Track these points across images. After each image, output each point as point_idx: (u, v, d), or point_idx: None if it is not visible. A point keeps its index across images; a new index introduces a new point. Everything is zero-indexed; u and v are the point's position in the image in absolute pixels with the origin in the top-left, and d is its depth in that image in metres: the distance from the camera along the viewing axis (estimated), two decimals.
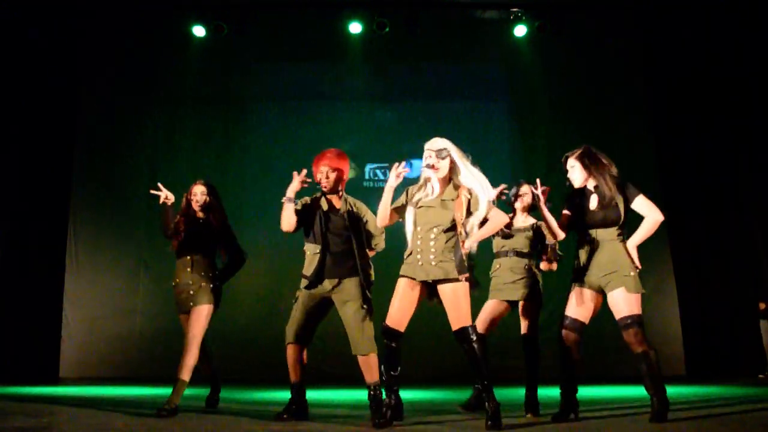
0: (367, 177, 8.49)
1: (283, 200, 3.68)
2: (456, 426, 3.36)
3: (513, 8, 8.65)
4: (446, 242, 3.20)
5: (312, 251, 3.72)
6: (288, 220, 3.67)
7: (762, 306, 7.54)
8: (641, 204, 3.42)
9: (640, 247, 3.45)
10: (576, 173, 3.52)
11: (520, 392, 3.96)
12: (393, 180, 3.27)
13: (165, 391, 4.06)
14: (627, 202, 3.42)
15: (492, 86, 8.92)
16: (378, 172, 8.49)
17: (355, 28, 8.61)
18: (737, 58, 8.14)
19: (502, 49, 8.88)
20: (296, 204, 3.72)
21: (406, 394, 5.38)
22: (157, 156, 8.65)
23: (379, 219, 3.38)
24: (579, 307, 3.43)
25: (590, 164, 3.48)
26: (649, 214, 3.40)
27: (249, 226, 8.39)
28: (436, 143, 3.34)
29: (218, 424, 3.47)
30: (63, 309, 8.17)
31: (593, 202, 3.48)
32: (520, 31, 8.69)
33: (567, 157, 3.57)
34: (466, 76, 8.87)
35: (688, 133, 8.41)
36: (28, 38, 8.06)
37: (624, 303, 3.27)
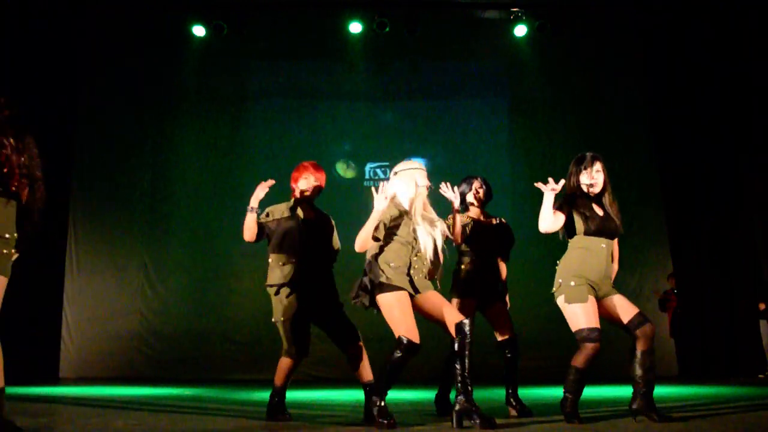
0: (367, 176, 8.50)
1: (247, 209, 3.58)
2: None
3: (513, 8, 8.66)
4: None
5: (283, 261, 3.60)
6: (251, 230, 3.59)
7: (762, 306, 7.54)
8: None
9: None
10: (601, 178, 3.46)
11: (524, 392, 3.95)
12: (382, 204, 3.20)
13: (165, 391, 4.04)
14: None
15: (492, 86, 8.93)
16: (378, 171, 8.49)
17: (355, 27, 8.61)
18: (737, 57, 8.14)
19: (502, 49, 8.89)
20: (259, 214, 3.66)
21: (407, 395, 5.39)
22: (157, 156, 8.66)
23: (359, 243, 3.24)
24: (624, 309, 3.36)
25: (607, 173, 3.49)
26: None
27: None
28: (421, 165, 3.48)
29: (218, 424, 3.46)
30: (63, 309, 8.18)
31: (600, 211, 3.44)
32: (520, 31, 8.69)
33: (594, 159, 3.47)
34: (467, 76, 8.87)
35: (687, 132, 8.42)
36: (28, 38, 8.05)
37: (631, 304, 3.33)
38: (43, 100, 8.26)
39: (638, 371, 3.26)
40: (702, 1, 8.23)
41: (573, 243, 3.44)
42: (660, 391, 5.50)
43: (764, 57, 7.76)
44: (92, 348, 8.06)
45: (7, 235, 2.80)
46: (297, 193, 3.81)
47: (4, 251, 2.80)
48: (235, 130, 8.77)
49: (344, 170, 8.56)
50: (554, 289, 3.42)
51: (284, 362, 3.58)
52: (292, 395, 5.19)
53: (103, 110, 8.64)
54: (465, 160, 8.44)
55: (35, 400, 4.89)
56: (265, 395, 5.47)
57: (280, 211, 3.76)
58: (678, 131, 8.47)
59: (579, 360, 3.26)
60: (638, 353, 3.26)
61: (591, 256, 3.37)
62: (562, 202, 3.46)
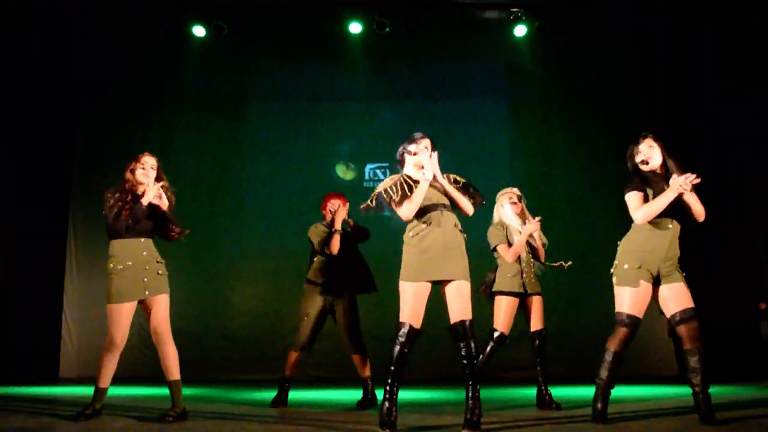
0: (367, 177, 8.49)
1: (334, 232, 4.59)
2: (457, 428, 3.36)
3: (513, 8, 8.64)
4: None
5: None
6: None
7: (762, 306, 7.54)
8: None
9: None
10: (656, 153, 3.42)
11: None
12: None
13: (165, 391, 4.04)
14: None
15: (492, 86, 8.92)
16: (378, 172, 8.49)
17: (355, 28, 8.60)
18: (737, 57, 8.14)
19: (502, 49, 8.87)
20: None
21: (406, 394, 5.39)
22: (157, 156, 8.64)
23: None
24: (675, 300, 3.28)
25: (666, 149, 3.43)
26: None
27: (249, 226, 8.40)
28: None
29: (218, 425, 3.47)
30: (63, 309, 8.17)
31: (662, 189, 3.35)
32: (520, 31, 8.68)
33: (645, 135, 3.47)
34: (466, 76, 8.86)
35: (687, 132, 8.41)
36: (27, 38, 8.05)
37: (686, 295, 3.23)
38: (43, 100, 8.27)
39: (687, 374, 3.26)
40: (702, 1, 8.22)
41: (638, 223, 3.35)
42: (659, 391, 5.51)
43: (764, 57, 7.76)
44: (92, 348, 8.04)
45: (162, 260, 3.96)
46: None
47: (162, 273, 3.96)
48: (234, 131, 8.75)
49: (344, 172, 8.55)
50: (612, 269, 3.40)
51: (294, 358, 4.64)
52: (295, 395, 5.20)
53: (102, 110, 8.63)
54: (465, 161, 8.44)
55: (35, 400, 4.89)
56: (264, 395, 5.48)
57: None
58: (678, 131, 8.45)
59: (611, 342, 3.32)
60: (685, 353, 3.25)
61: (655, 237, 3.31)
62: (637, 182, 3.41)
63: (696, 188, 3.43)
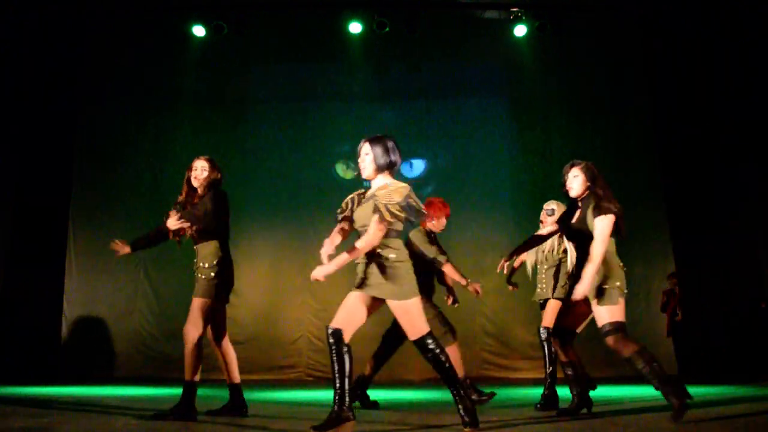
0: None
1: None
2: (457, 428, 3.36)
3: (513, 8, 8.65)
4: None
5: None
6: None
7: (763, 306, 7.53)
8: (597, 224, 3.29)
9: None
10: (577, 183, 3.52)
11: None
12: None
13: (165, 390, 4.04)
14: (592, 215, 3.34)
15: (492, 86, 8.93)
16: None
17: (355, 28, 8.60)
18: (738, 56, 8.14)
19: (502, 49, 8.87)
20: None
21: (406, 394, 5.40)
22: (157, 156, 8.66)
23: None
24: (565, 316, 3.64)
25: (590, 179, 3.48)
26: (595, 241, 3.27)
27: (250, 226, 8.40)
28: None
29: (218, 425, 3.47)
30: (63, 309, 8.17)
31: (576, 216, 3.55)
32: (520, 31, 8.69)
33: (572, 165, 3.59)
34: (466, 76, 8.86)
35: (688, 132, 8.41)
36: (27, 39, 8.05)
37: (603, 312, 3.29)
38: (44, 100, 8.28)
39: None
40: (703, 1, 8.22)
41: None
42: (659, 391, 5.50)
43: (765, 53, 7.75)
44: (92, 348, 8.06)
45: (206, 264, 3.76)
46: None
47: (203, 276, 3.74)
48: (234, 131, 8.76)
49: (344, 171, 8.55)
50: None
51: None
52: (294, 395, 5.21)
53: (102, 110, 8.63)
54: (465, 161, 8.45)
55: (35, 400, 4.89)
56: (264, 395, 5.47)
57: None
58: (679, 130, 8.46)
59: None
60: None
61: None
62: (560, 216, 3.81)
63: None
